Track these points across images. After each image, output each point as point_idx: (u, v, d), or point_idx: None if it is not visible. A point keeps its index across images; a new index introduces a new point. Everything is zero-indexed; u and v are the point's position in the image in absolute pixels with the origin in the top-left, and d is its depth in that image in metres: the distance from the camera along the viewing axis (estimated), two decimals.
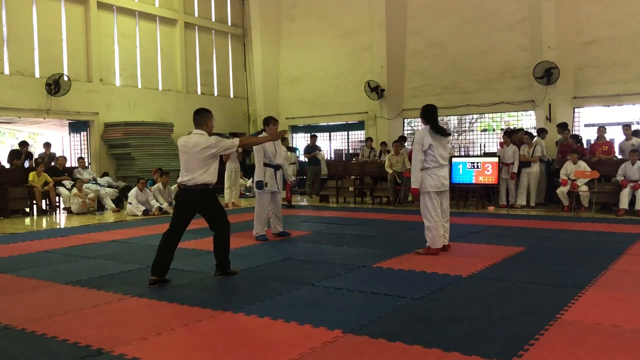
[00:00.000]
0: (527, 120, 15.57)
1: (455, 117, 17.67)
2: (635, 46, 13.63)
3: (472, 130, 18.46)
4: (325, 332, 3.66)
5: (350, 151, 18.48)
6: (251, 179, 16.33)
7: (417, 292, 4.64)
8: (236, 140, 5.46)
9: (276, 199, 7.90)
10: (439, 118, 6.82)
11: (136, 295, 4.74)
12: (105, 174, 14.21)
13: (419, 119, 7.41)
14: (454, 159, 11.77)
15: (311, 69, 18.72)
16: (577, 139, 12.18)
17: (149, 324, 3.99)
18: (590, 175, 10.56)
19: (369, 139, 15.39)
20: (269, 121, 7.73)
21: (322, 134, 19.50)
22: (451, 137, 6.95)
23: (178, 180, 5.42)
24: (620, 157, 11.45)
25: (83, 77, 15.20)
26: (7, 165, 12.98)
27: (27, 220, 11.29)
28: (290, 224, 9.68)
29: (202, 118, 5.36)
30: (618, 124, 14.22)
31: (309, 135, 17.21)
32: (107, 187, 13.04)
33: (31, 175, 11.96)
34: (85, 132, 15.78)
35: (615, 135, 13.81)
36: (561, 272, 5.38)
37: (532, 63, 14.39)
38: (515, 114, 15.77)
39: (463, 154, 16.65)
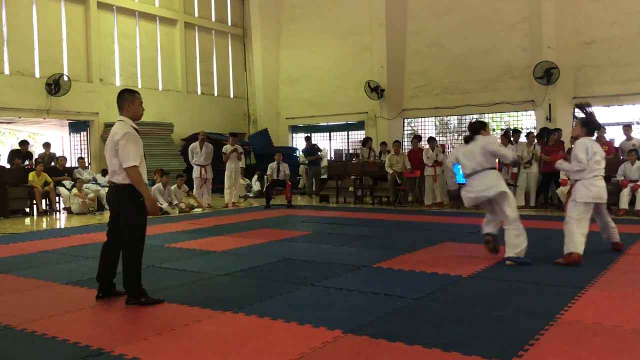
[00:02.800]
0: (527, 120, 15.58)
1: (455, 117, 17.66)
2: (635, 46, 13.64)
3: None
4: (325, 332, 3.65)
5: (350, 151, 18.48)
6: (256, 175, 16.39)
7: (417, 292, 4.63)
8: (132, 162, 4.48)
9: None
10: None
11: None
12: (105, 171, 14.20)
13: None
14: None
15: (311, 69, 18.72)
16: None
17: (149, 324, 3.99)
18: None
19: (368, 139, 15.24)
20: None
21: (322, 134, 19.52)
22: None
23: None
24: (622, 158, 11.38)
25: (83, 77, 15.20)
26: (8, 166, 12.97)
27: (27, 220, 11.29)
28: (291, 224, 9.69)
29: (122, 100, 4.73)
30: (618, 124, 14.21)
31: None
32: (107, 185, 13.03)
33: (31, 175, 11.96)
34: (85, 132, 15.78)
35: (616, 135, 13.79)
36: (561, 272, 5.38)
37: (532, 63, 14.40)
38: (515, 114, 15.77)
39: None
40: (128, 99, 4.74)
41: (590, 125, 6.32)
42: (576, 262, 5.76)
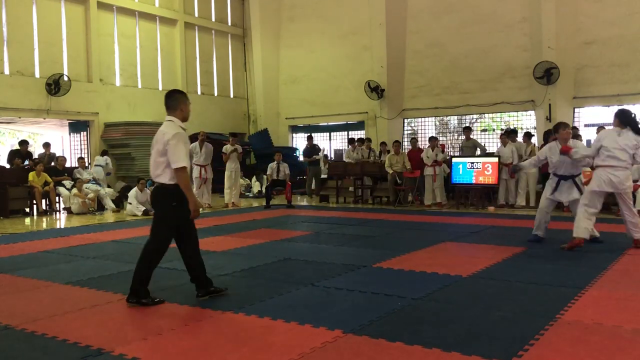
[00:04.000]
0: (527, 120, 15.59)
1: (455, 117, 17.68)
2: (635, 46, 13.64)
3: (472, 131, 18.43)
4: (325, 332, 3.65)
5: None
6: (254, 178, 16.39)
7: (417, 292, 4.63)
8: (182, 163, 4.36)
9: None
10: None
11: None
12: (104, 152, 14.24)
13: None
14: (454, 159, 11.78)
15: (311, 69, 18.73)
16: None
17: (149, 324, 3.99)
18: (590, 175, 10.54)
19: (367, 139, 15.19)
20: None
21: (322, 134, 19.52)
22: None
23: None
24: None
25: (83, 77, 15.21)
26: (8, 166, 12.97)
27: (27, 220, 11.29)
28: (291, 224, 9.69)
29: (173, 101, 4.59)
30: None
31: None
32: (105, 165, 13.54)
33: (31, 175, 11.96)
34: (85, 132, 15.79)
35: None
36: (561, 272, 5.38)
37: (532, 63, 14.40)
38: (515, 114, 15.78)
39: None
40: (181, 100, 4.57)
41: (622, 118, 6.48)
42: (577, 245, 6.37)
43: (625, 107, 7.95)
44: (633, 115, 6.54)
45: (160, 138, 4.43)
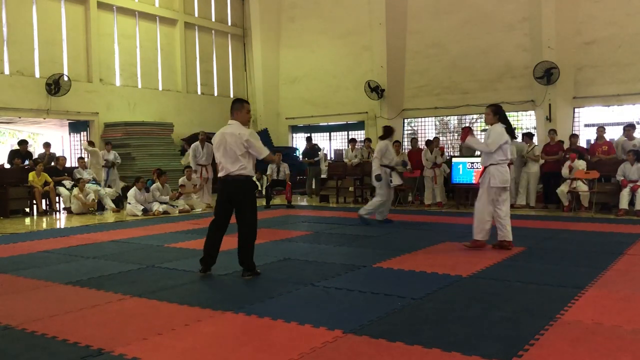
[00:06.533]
0: (527, 120, 15.58)
1: (455, 117, 17.68)
2: (635, 46, 13.64)
3: (472, 130, 18.42)
4: (325, 332, 3.65)
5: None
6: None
7: (417, 292, 4.63)
8: (266, 152, 5.48)
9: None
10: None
11: (136, 295, 4.73)
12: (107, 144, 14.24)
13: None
14: (454, 159, 11.78)
15: (311, 69, 18.73)
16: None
17: (149, 324, 3.99)
18: (590, 175, 10.57)
19: (367, 139, 15.15)
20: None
21: (322, 134, 19.52)
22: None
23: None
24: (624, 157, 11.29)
25: (83, 77, 15.21)
26: (8, 166, 12.97)
27: (27, 220, 11.29)
28: (291, 224, 9.69)
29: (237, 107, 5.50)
30: (618, 124, 14.21)
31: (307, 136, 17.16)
32: (113, 160, 13.82)
33: (31, 175, 11.95)
34: (85, 132, 15.78)
35: (616, 136, 13.79)
36: (561, 272, 5.38)
37: (532, 63, 14.40)
38: (515, 114, 15.77)
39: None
40: (238, 107, 5.48)
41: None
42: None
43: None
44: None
45: (234, 140, 5.26)
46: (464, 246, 6.72)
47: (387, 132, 9.48)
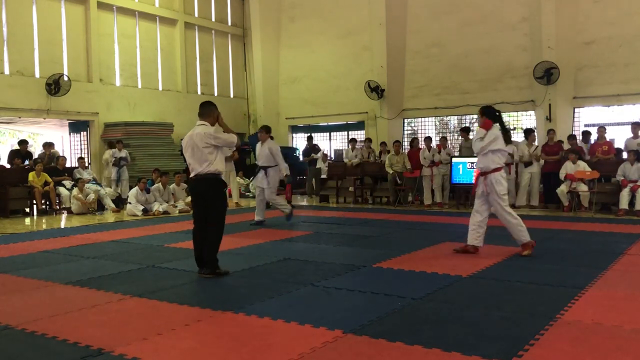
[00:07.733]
0: (527, 120, 15.57)
1: (455, 117, 17.65)
2: (635, 46, 13.63)
3: (472, 131, 18.45)
4: (325, 332, 3.65)
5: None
6: (251, 178, 16.38)
7: (417, 292, 4.63)
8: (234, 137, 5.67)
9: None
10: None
11: (136, 295, 4.73)
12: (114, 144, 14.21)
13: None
14: (454, 159, 11.78)
15: (311, 69, 18.72)
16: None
17: (149, 324, 3.99)
18: (590, 175, 10.57)
19: (368, 139, 15.16)
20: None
21: (322, 134, 19.51)
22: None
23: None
24: (625, 154, 11.24)
25: (83, 77, 15.20)
26: (8, 166, 12.97)
27: (27, 220, 11.29)
28: (290, 224, 9.69)
29: (206, 110, 5.63)
30: (618, 124, 14.20)
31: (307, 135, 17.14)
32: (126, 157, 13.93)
33: (31, 175, 11.95)
34: (85, 132, 15.77)
35: (616, 136, 13.79)
36: (561, 272, 5.38)
37: (532, 63, 14.39)
38: (515, 114, 15.76)
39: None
40: (207, 112, 5.66)
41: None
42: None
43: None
44: None
45: (200, 139, 5.40)
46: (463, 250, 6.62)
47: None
